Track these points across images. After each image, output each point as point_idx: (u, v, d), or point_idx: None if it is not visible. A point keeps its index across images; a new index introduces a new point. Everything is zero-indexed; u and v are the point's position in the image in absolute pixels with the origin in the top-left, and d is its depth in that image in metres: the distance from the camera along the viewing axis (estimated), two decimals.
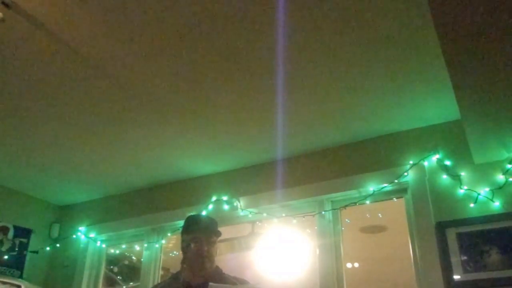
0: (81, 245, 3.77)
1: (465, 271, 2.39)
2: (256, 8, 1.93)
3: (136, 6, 1.94)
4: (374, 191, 2.79)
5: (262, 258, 3.70)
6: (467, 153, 2.52)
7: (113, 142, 3.06)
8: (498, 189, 2.46)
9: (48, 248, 3.84)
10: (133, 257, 4.24)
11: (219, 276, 2.21)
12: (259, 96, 2.54)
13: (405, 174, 2.72)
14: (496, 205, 2.44)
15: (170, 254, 3.86)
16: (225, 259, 3.85)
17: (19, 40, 2.13)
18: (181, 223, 2.65)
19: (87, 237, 3.76)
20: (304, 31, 2.05)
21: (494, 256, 2.36)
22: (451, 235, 2.48)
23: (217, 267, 2.26)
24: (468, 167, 2.58)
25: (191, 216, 2.37)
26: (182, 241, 2.27)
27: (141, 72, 2.36)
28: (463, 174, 2.57)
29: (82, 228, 3.81)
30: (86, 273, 3.67)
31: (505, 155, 2.46)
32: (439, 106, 2.60)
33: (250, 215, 3.18)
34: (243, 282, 2.21)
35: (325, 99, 2.56)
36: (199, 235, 2.20)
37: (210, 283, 1.99)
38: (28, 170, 3.47)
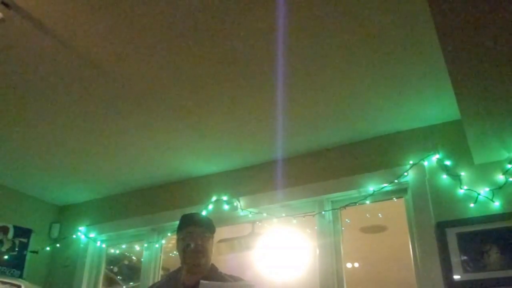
0: (81, 245, 3.77)
1: (465, 271, 2.39)
2: (256, 7, 1.93)
3: (135, 7, 1.94)
4: (374, 191, 2.79)
5: (262, 258, 3.70)
6: (467, 153, 2.52)
7: (113, 142, 3.06)
8: (498, 189, 2.46)
9: (48, 248, 3.83)
10: (133, 257, 4.24)
11: (214, 274, 2.20)
12: (259, 96, 2.54)
13: (405, 174, 2.72)
14: (496, 205, 2.44)
15: (170, 254, 3.84)
16: (225, 259, 3.85)
17: (19, 40, 2.13)
18: None
19: (87, 237, 3.76)
20: (304, 30, 2.05)
21: (494, 256, 2.36)
22: (451, 235, 2.47)
23: (212, 265, 2.25)
24: (468, 167, 2.58)
25: (185, 214, 2.38)
26: (177, 239, 2.27)
27: (141, 72, 2.36)
28: (463, 174, 2.57)
29: (82, 228, 3.81)
30: (86, 273, 3.67)
31: (505, 155, 2.46)
32: (439, 106, 2.60)
33: (250, 215, 3.18)
34: (238, 280, 2.20)
35: (325, 99, 2.56)
36: (193, 230, 2.21)
37: (201, 281, 1.98)
38: (28, 170, 3.47)
